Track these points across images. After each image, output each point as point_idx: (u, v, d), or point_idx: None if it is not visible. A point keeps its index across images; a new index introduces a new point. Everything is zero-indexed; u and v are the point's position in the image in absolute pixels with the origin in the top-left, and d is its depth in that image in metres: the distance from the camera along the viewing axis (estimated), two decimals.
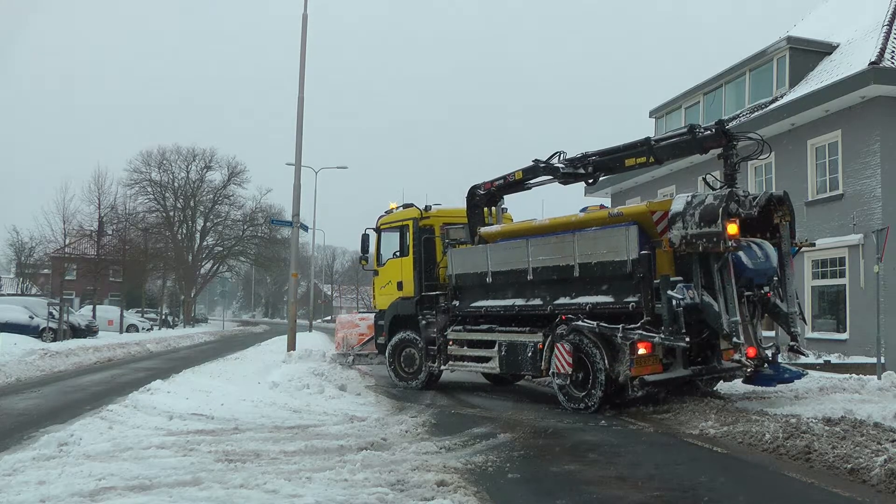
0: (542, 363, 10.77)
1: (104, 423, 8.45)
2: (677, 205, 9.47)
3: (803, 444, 7.03)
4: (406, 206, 14.39)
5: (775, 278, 10.07)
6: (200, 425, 8.68)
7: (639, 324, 9.53)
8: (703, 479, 6.26)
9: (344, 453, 6.98)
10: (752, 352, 9.32)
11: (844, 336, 17.89)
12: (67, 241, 41.85)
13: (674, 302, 9.05)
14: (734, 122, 21.94)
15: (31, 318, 28.22)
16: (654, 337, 9.31)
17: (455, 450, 7.49)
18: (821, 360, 16.19)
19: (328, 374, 13.11)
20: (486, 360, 12.03)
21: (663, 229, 9.71)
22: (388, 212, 14.91)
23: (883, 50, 17.90)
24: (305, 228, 22.70)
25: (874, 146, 17.35)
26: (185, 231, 61.82)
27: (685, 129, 10.54)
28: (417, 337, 13.54)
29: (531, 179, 12.61)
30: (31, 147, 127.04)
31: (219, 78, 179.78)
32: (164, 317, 53.48)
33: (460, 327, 12.65)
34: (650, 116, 27.89)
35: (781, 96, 20.66)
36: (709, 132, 10.18)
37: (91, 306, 39.27)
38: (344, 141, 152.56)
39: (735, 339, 9.09)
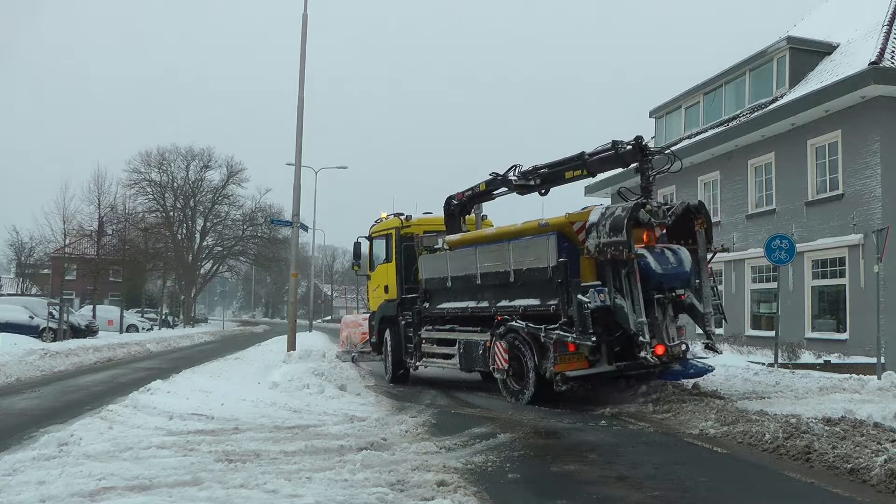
0: (490, 359, 11.67)
1: (104, 423, 8.44)
2: (594, 216, 10.33)
3: (803, 444, 7.02)
4: (396, 215, 15.62)
5: (697, 281, 10.72)
6: (200, 425, 8.67)
7: (558, 324, 10.37)
8: (703, 479, 6.25)
9: (344, 453, 6.97)
10: (660, 349, 9.98)
11: (844, 336, 17.91)
12: (67, 241, 41.84)
13: (582, 305, 9.84)
14: (734, 122, 21.99)
15: (31, 317, 28.25)
16: (568, 336, 10.11)
17: (455, 450, 7.48)
18: (821, 360, 16.21)
19: (328, 374, 13.10)
20: (451, 357, 13.10)
21: (584, 238, 10.46)
22: (379, 220, 16.34)
23: (883, 50, 17.90)
24: (305, 228, 22.66)
25: (874, 146, 17.36)
26: (184, 231, 61.81)
27: (609, 145, 11.32)
28: (390, 336, 14.86)
29: (494, 190, 13.71)
30: (31, 147, 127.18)
31: (218, 78, 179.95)
32: (164, 317, 53.45)
33: (431, 327, 13.77)
34: (650, 117, 27.87)
35: (781, 96, 20.65)
36: (629, 147, 10.99)
37: (91, 306, 39.24)
38: (344, 141, 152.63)
39: (641, 339, 9.70)
